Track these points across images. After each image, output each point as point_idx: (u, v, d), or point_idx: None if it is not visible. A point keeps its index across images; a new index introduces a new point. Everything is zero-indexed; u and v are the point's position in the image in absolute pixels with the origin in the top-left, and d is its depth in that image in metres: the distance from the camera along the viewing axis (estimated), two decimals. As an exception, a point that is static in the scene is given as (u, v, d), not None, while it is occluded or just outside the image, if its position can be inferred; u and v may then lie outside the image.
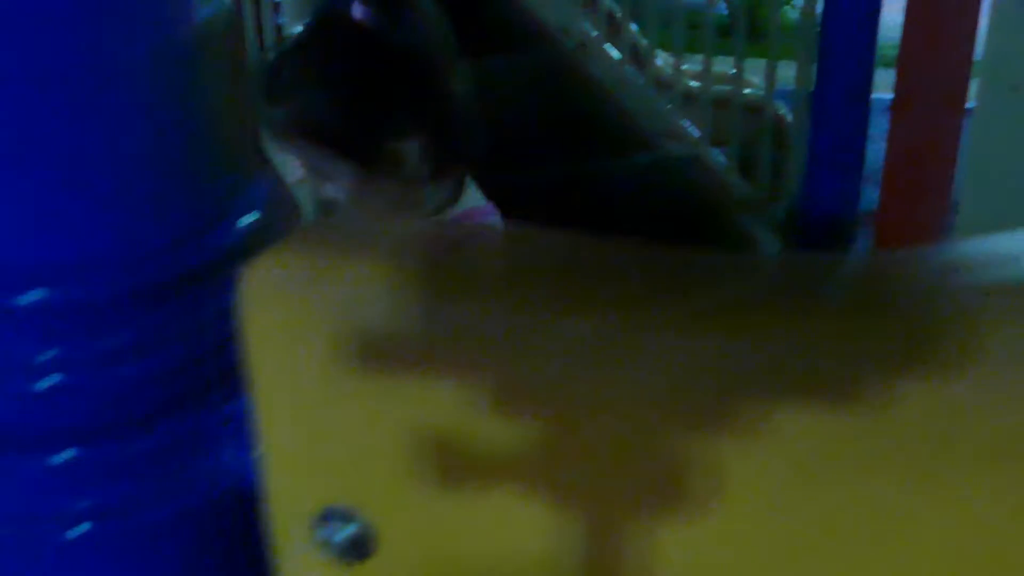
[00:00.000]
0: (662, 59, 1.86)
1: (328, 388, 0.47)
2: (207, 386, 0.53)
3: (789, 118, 1.82)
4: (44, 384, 0.50)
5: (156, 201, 0.51)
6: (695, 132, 1.66)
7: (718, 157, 1.64)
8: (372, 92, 0.75)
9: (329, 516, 0.48)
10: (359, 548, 0.48)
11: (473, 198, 0.91)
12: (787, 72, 1.85)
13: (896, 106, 1.79)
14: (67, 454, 0.52)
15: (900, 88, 1.78)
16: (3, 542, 0.54)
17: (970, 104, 1.77)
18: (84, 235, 0.50)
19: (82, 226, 0.50)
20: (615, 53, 1.80)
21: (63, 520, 0.52)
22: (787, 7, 2.36)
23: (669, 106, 1.70)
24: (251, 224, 0.55)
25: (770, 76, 1.77)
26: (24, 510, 0.53)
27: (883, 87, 1.80)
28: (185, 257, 0.52)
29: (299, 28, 0.82)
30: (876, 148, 1.74)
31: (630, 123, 1.73)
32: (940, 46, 1.74)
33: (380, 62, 0.76)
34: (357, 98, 0.75)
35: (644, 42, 1.85)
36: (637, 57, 1.86)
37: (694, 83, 1.76)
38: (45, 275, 0.50)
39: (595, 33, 1.84)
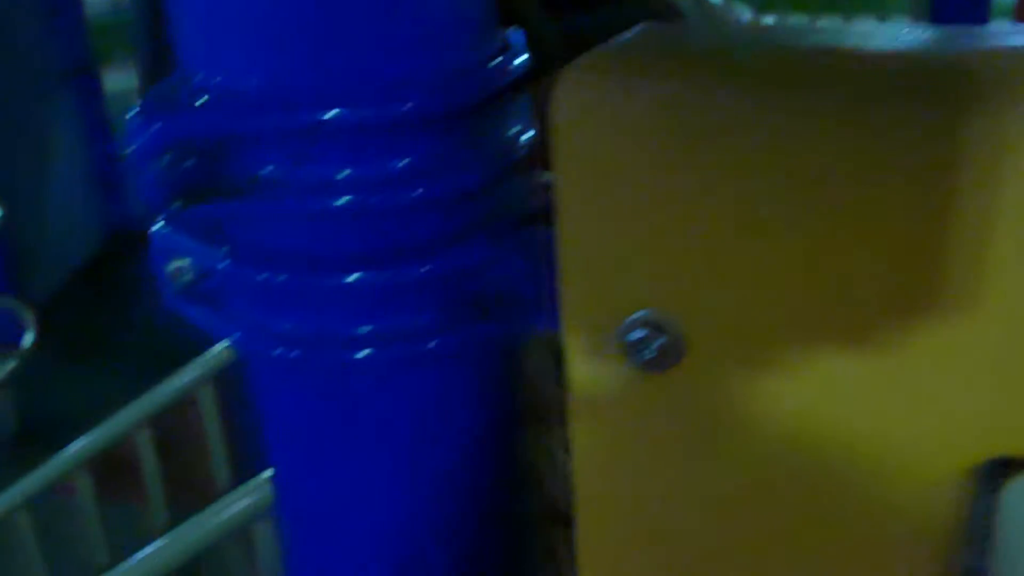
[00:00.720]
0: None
1: (640, 194, 0.47)
2: (496, 215, 0.54)
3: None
4: (339, 203, 0.51)
5: (446, 28, 0.52)
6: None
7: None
8: None
9: (634, 325, 0.49)
10: (665, 357, 0.48)
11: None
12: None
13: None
14: (355, 276, 0.53)
15: None
16: (290, 363, 0.55)
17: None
18: (377, 58, 0.51)
19: (374, 50, 0.51)
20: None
21: (348, 343, 0.54)
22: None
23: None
24: (526, 61, 0.56)
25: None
26: (311, 332, 0.54)
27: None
28: (473, 84, 0.53)
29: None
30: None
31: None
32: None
33: None
34: None
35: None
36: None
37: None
38: (344, 96, 0.51)
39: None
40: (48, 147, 3.60)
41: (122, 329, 3.24)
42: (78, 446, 1.63)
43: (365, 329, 0.54)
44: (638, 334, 0.49)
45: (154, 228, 0.59)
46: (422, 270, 0.54)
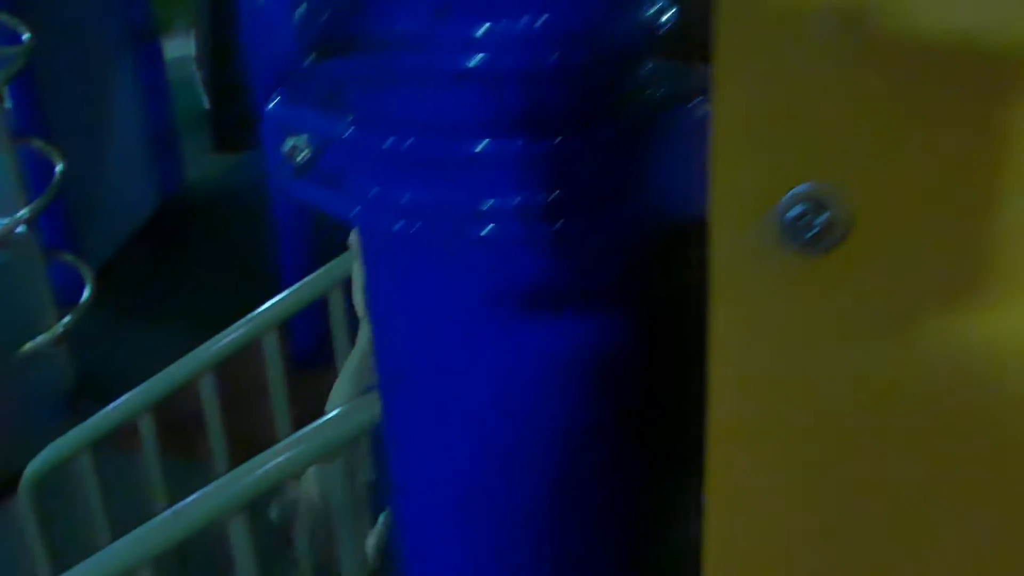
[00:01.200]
0: None
1: (804, 56, 0.43)
2: (634, 93, 0.51)
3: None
4: (473, 63, 0.48)
5: None
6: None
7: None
8: None
9: (794, 200, 0.45)
10: (828, 236, 0.44)
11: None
12: None
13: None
14: (483, 144, 0.50)
15: None
16: (411, 239, 0.52)
17: None
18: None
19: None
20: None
21: (472, 218, 0.51)
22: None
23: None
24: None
25: None
26: (434, 202, 0.51)
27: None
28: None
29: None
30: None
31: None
32: None
33: None
34: None
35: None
36: None
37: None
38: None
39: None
40: (109, 109, 3.62)
41: (177, 292, 3.25)
42: (142, 389, 1.62)
43: (489, 203, 0.51)
44: (797, 210, 0.45)
45: (269, 106, 0.57)
46: (553, 143, 0.50)
